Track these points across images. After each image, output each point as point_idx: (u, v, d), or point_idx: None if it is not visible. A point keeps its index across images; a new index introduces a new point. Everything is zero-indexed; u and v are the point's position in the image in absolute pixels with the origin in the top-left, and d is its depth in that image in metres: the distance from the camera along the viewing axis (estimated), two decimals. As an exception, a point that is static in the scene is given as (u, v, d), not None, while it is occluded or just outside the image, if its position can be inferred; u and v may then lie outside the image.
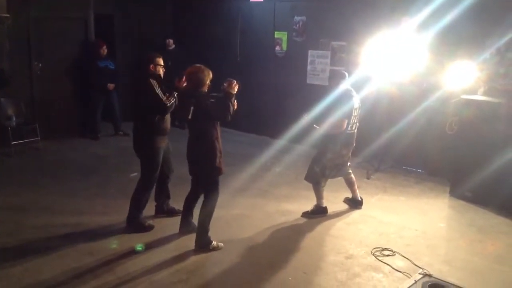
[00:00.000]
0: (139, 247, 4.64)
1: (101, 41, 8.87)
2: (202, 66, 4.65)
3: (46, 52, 8.53)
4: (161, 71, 5.11)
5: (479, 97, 6.21)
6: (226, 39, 9.56)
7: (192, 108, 4.52)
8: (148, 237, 5.00)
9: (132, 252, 4.65)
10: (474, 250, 4.90)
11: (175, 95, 4.95)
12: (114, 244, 4.62)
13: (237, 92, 4.62)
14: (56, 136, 8.54)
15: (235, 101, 4.62)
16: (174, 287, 4.09)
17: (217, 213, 4.90)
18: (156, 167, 5.12)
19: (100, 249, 4.71)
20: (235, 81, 4.60)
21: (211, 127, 4.58)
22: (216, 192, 4.72)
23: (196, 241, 4.71)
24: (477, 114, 6.01)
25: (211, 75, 4.65)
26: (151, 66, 5.04)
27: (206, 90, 4.65)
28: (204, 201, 4.76)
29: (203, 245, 4.69)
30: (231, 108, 4.54)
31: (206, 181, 4.74)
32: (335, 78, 5.55)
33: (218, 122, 4.66)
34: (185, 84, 4.71)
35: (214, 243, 4.72)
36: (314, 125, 5.52)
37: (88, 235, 5.01)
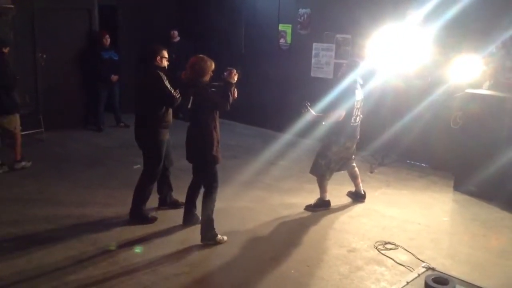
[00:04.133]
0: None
1: (103, 31, 8.85)
2: (205, 57, 4.67)
3: (50, 43, 8.54)
4: (165, 63, 5.12)
5: (485, 91, 6.17)
6: (230, 31, 9.53)
7: (191, 97, 4.56)
8: (151, 228, 5.01)
9: (135, 244, 4.67)
10: (478, 244, 4.89)
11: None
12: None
13: (237, 81, 4.65)
14: (60, 127, 8.55)
15: (235, 90, 4.66)
16: (176, 279, 4.10)
17: (221, 205, 4.91)
18: (160, 160, 5.12)
19: (104, 240, 4.72)
20: (235, 70, 4.63)
21: (210, 117, 4.60)
22: (215, 182, 4.72)
23: (202, 234, 4.70)
24: (482, 108, 5.98)
25: (213, 66, 4.67)
26: (158, 58, 5.04)
27: (208, 80, 4.66)
28: (204, 192, 4.76)
29: (209, 237, 4.68)
30: (231, 98, 4.59)
31: (203, 170, 4.75)
32: (347, 67, 5.52)
33: (217, 112, 4.68)
34: (186, 73, 4.72)
35: (219, 236, 4.71)
36: (307, 103, 5.48)
37: (92, 226, 5.03)
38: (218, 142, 4.67)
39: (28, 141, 7.80)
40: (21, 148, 6.78)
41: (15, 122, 6.69)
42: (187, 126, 4.77)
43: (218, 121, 4.69)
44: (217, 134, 4.66)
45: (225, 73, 4.63)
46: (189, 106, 4.60)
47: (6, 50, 6.61)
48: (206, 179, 4.76)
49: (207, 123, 4.59)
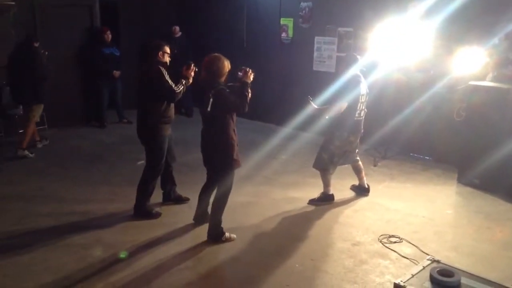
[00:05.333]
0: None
1: (105, 27, 8.84)
2: (221, 56, 4.49)
3: (51, 40, 8.50)
4: (167, 59, 5.10)
5: (488, 83, 6.13)
6: (232, 26, 9.51)
7: (211, 100, 4.35)
8: (156, 224, 5.02)
9: (139, 239, 4.67)
10: (482, 236, 4.88)
11: (183, 82, 4.95)
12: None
13: (252, 80, 4.52)
14: (63, 124, 8.56)
15: (250, 90, 4.50)
16: (180, 273, 4.11)
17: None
18: (162, 155, 5.12)
19: (108, 236, 4.73)
20: (250, 70, 4.48)
21: (229, 119, 4.46)
22: (230, 184, 4.63)
23: (208, 232, 4.67)
24: (485, 100, 5.95)
25: (229, 66, 4.49)
26: (160, 53, 5.02)
27: (225, 81, 4.49)
28: (217, 192, 4.69)
29: (216, 236, 4.64)
30: (248, 98, 4.44)
31: (222, 174, 4.60)
32: (346, 62, 5.50)
33: (235, 113, 4.55)
34: (198, 74, 4.63)
35: (227, 234, 4.66)
36: (309, 98, 5.46)
37: (95, 222, 5.03)
38: (237, 145, 4.56)
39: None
40: (30, 138, 7.26)
41: (39, 111, 7.38)
42: (201, 128, 4.63)
43: (235, 122, 4.57)
44: (236, 137, 4.54)
45: (239, 73, 4.47)
46: (208, 109, 4.37)
47: (37, 44, 7.22)
48: (223, 183, 4.61)
49: (227, 126, 4.45)
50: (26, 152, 7.09)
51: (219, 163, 4.59)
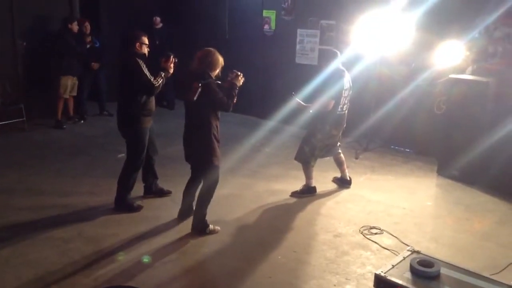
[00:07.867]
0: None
1: (82, 19, 8.66)
2: (215, 50, 4.55)
3: (30, 30, 8.37)
4: (146, 50, 5.02)
5: (468, 76, 6.21)
6: (214, 17, 9.44)
7: (199, 90, 4.34)
8: (137, 217, 4.98)
9: (121, 233, 4.63)
10: (461, 227, 4.96)
11: (162, 75, 4.89)
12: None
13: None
14: (42, 116, 8.42)
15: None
16: (164, 266, 4.09)
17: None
18: (143, 148, 5.06)
19: (89, 229, 4.68)
20: (241, 74, 4.59)
21: (212, 115, 4.50)
22: (215, 179, 4.63)
23: (192, 225, 4.67)
24: (466, 93, 6.02)
25: (223, 63, 4.56)
26: (137, 44, 4.95)
27: (216, 76, 4.56)
28: (202, 186, 4.69)
29: (200, 229, 4.63)
30: (235, 99, 4.52)
31: (203, 169, 4.62)
32: (326, 57, 5.53)
33: (219, 110, 4.58)
34: (194, 65, 4.60)
35: (211, 226, 4.66)
36: (293, 93, 5.48)
37: (76, 215, 4.97)
38: (218, 142, 4.58)
39: (9, 131, 7.70)
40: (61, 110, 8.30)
41: (64, 83, 8.18)
42: (184, 124, 4.63)
43: (219, 119, 4.60)
44: (217, 133, 4.57)
45: (231, 75, 4.58)
46: (194, 98, 4.35)
47: (71, 25, 8.08)
48: (207, 178, 4.62)
49: (209, 121, 4.47)
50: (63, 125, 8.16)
51: (200, 159, 4.60)
